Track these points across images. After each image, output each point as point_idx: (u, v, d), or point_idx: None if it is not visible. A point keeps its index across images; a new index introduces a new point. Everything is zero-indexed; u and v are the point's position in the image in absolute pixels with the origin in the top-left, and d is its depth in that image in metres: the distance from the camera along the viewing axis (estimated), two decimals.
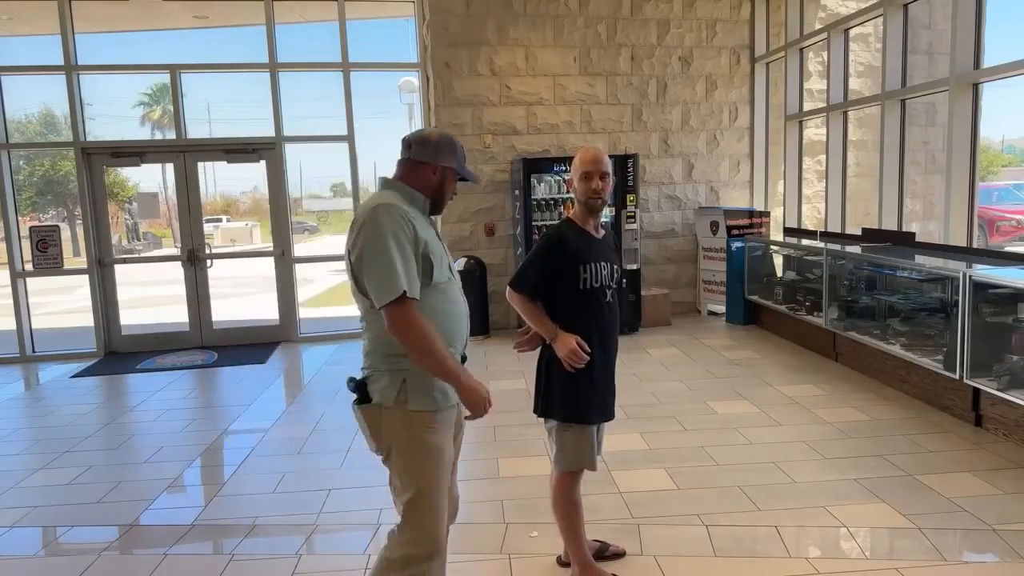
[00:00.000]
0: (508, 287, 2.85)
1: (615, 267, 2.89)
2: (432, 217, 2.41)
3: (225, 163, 8.44)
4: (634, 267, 7.90)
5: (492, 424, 5.03)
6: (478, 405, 2.24)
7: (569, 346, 2.74)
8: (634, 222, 7.89)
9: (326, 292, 14.21)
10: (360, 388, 2.24)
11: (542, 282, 2.80)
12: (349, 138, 8.16)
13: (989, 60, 5.48)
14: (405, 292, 2.06)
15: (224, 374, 6.97)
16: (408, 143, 2.33)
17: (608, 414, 2.96)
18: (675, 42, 8.56)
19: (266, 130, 8.13)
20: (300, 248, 9.73)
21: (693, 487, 3.91)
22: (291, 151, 8.33)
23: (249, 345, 8.07)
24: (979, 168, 5.66)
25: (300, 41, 8.75)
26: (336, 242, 17.00)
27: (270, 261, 8.38)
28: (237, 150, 8.27)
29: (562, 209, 7.86)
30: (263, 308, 9.32)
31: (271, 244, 8.46)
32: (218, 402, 6.19)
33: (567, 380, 2.82)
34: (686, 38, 8.57)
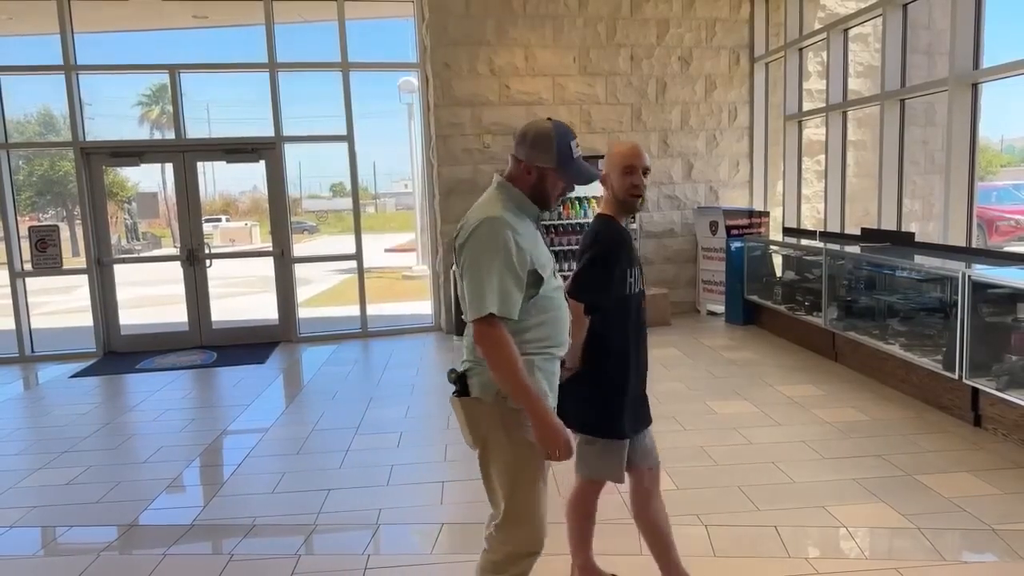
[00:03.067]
0: (570, 301, 2.47)
1: (641, 268, 2.76)
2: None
3: (224, 163, 8.43)
4: None
5: None
6: (551, 444, 2.09)
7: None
8: (633, 222, 7.88)
9: (325, 292, 14.21)
10: (460, 380, 2.19)
11: (603, 291, 2.55)
12: (348, 138, 8.16)
13: (988, 60, 5.48)
14: (493, 313, 2.00)
15: (223, 374, 6.97)
16: (515, 137, 2.23)
17: (645, 420, 2.79)
18: (674, 42, 8.56)
19: (265, 130, 8.12)
20: (299, 248, 9.73)
21: (692, 487, 3.91)
22: (290, 151, 8.33)
23: (248, 345, 8.06)
24: (978, 168, 5.66)
25: (300, 41, 8.75)
26: (335, 242, 17.02)
27: (269, 261, 8.38)
28: (236, 150, 8.26)
29: (561, 209, 7.85)
30: (262, 308, 9.33)
31: (270, 244, 8.46)
32: (217, 402, 6.19)
33: (596, 393, 2.62)
34: (685, 38, 8.57)
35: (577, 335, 2.46)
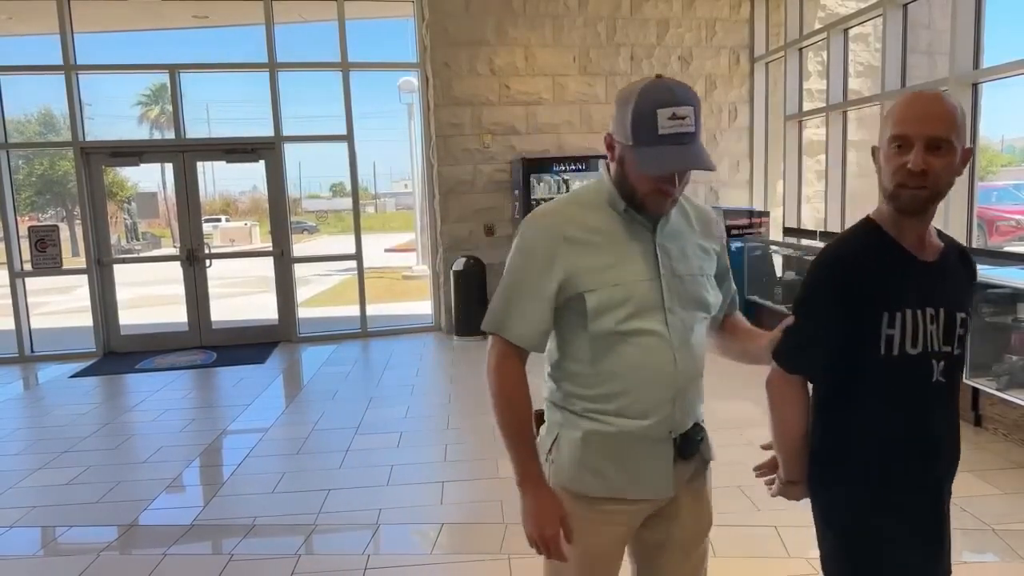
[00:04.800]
0: (774, 368, 1.64)
1: (957, 316, 1.56)
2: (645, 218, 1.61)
3: (224, 163, 8.42)
4: None
5: (491, 424, 5.03)
6: (530, 531, 1.60)
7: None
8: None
9: (325, 292, 14.21)
10: (537, 416, 1.74)
11: (822, 348, 1.57)
12: (348, 138, 8.16)
13: (988, 60, 5.48)
14: (496, 332, 1.61)
15: (223, 374, 6.96)
16: None
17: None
18: (675, 42, 8.55)
19: (265, 130, 8.12)
20: (299, 248, 9.74)
21: None
22: (290, 151, 8.33)
23: (248, 345, 8.06)
24: (979, 168, 5.65)
25: (299, 41, 8.76)
26: (335, 242, 17.04)
27: (269, 261, 8.38)
28: (236, 150, 8.26)
29: None
30: (262, 308, 9.33)
31: (270, 244, 8.45)
32: (217, 402, 6.19)
33: (829, 529, 1.72)
34: (686, 38, 8.57)
35: (790, 424, 1.65)
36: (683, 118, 1.47)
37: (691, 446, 1.70)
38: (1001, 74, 5.38)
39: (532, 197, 7.71)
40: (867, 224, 1.59)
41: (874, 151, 1.56)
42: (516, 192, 7.98)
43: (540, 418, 1.74)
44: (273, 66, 7.97)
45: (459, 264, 7.96)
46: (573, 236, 1.56)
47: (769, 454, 1.89)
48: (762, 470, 1.93)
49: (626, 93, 1.55)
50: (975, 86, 5.53)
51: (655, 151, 1.48)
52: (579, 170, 7.82)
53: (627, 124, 1.51)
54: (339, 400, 5.88)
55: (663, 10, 8.46)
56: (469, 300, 7.94)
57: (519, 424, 1.63)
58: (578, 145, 8.34)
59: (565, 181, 7.85)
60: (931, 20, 7.82)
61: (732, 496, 3.76)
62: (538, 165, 7.80)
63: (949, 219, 5.68)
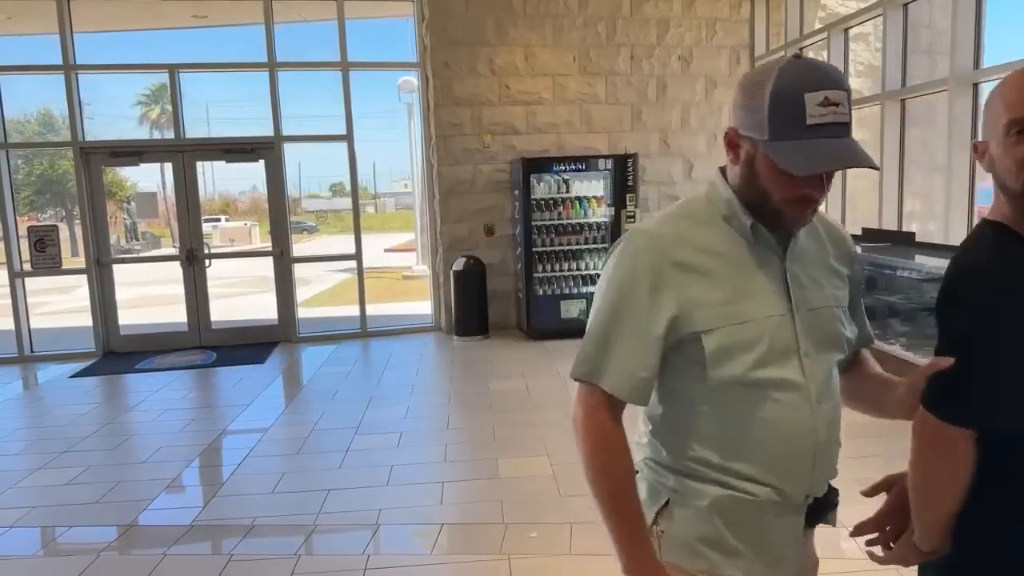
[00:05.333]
0: (927, 413, 1.28)
1: None
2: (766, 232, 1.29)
3: (224, 163, 8.42)
4: None
5: (491, 424, 5.04)
6: None
7: None
8: (634, 222, 7.88)
9: (325, 292, 14.21)
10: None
11: (995, 394, 1.20)
12: (348, 138, 8.15)
13: (989, 60, 5.48)
14: (588, 379, 1.30)
15: (223, 374, 6.96)
16: None
17: None
18: (675, 41, 8.55)
19: (265, 130, 8.11)
20: (299, 248, 9.74)
21: None
22: (290, 151, 8.32)
23: (248, 345, 8.05)
24: (979, 168, 5.65)
25: (299, 40, 8.77)
26: (335, 242, 17.04)
27: (269, 261, 8.37)
28: (236, 150, 8.25)
29: (561, 209, 7.85)
30: (262, 308, 9.32)
31: (270, 244, 8.45)
32: (217, 402, 6.19)
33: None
34: (686, 37, 8.57)
35: (946, 490, 1.29)
36: (836, 104, 1.19)
37: (823, 512, 1.40)
38: (1001, 74, 5.36)
39: (532, 197, 7.70)
40: (998, 230, 1.27)
41: (977, 147, 1.31)
42: (516, 192, 7.98)
43: None
44: (273, 66, 7.96)
45: (459, 264, 7.95)
46: (685, 261, 1.25)
47: (868, 505, 1.52)
48: (867, 530, 1.49)
49: (757, 75, 1.22)
50: (975, 86, 5.53)
51: (802, 146, 1.17)
52: (579, 170, 7.82)
53: (762, 113, 1.18)
54: (339, 400, 5.88)
55: (663, 10, 8.45)
56: (469, 300, 7.95)
57: (622, 495, 1.31)
58: (578, 145, 8.34)
59: (565, 181, 7.85)
60: (931, 20, 7.80)
61: None
62: (538, 165, 7.80)
63: (950, 219, 5.68)
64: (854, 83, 7.87)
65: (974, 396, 1.21)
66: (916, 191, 7.63)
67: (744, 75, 1.29)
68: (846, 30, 7.40)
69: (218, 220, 24.34)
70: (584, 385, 1.30)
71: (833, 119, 1.19)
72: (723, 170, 1.34)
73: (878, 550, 1.47)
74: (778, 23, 8.45)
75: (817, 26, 7.90)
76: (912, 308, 5.64)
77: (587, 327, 1.32)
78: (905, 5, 6.35)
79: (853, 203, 7.73)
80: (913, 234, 6.15)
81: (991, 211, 1.31)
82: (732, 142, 1.27)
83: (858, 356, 1.51)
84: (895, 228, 6.56)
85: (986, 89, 5.52)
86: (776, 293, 1.28)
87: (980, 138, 1.31)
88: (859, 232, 6.76)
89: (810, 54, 8.34)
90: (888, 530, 1.46)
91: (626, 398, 1.29)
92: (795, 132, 1.17)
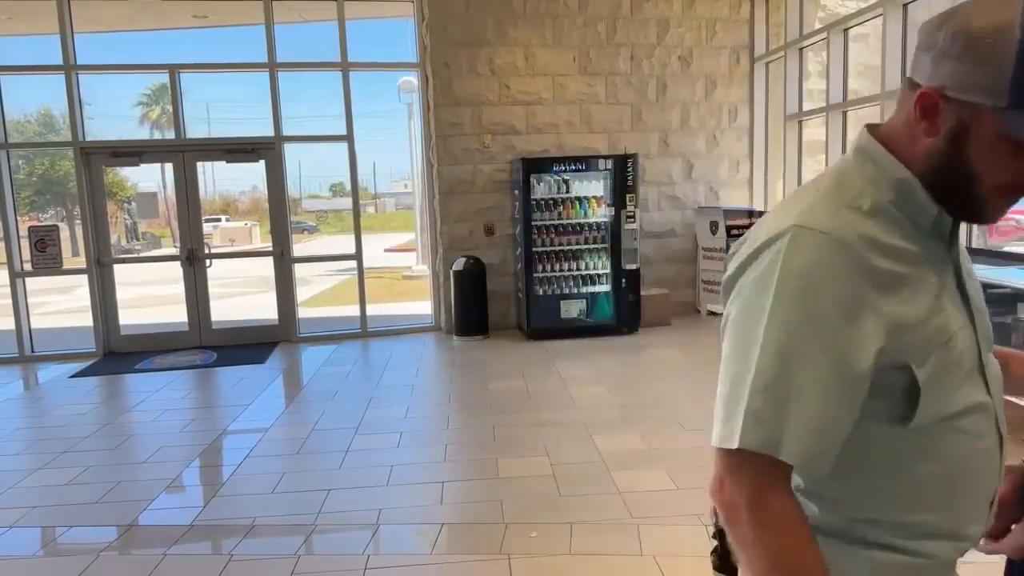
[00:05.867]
0: None
1: None
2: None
3: (224, 163, 8.43)
4: (634, 267, 7.90)
5: (491, 424, 5.04)
6: None
7: None
8: (634, 222, 7.88)
9: (325, 292, 14.22)
10: (722, 542, 1.21)
11: None
12: (348, 138, 8.16)
13: None
14: (763, 449, 0.91)
15: (223, 374, 6.97)
16: (921, 32, 0.97)
17: None
18: (675, 42, 8.55)
19: (265, 130, 8.12)
20: (299, 248, 9.74)
21: (693, 487, 3.91)
22: (290, 151, 8.33)
23: (248, 345, 8.06)
24: None
25: (299, 41, 8.76)
26: (335, 242, 17.05)
27: (269, 261, 8.38)
28: (236, 150, 8.26)
29: (561, 209, 7.85)
30: (262, 308, 9.33)
31: (270, 244, 8.45)
32: (217, 402, 6.19)
33: None
34: (686, 37, 8.57)
35: None
36: None
37: None
38: None
39: (532, 197, 7.71)
40: None
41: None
42: (516, 192, 7.98)
43: (725, 544, 1.18)
44: (273, 66, 7.97)
45: (459, 264, 7.96)
46: (879, 268, 0.92)
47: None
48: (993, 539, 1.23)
49: (988, 11, 0.88)
50: None
51: None
52: (579, 170, 7.82)
53: (1001, 68, 0.86)
54: (339, 400, 5.89)
55: (663, 10, 8.46)
56: (469, 300, 7.95)
57: None
58: (578, 145, 8.34)
59: (565, 181, 7.85)
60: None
61: None
62: (538, 165, 7.80)
63: None
64: (853, 83, 7.87)
65: None
66: None
67: (947, 12, 0.92)
68: (846, 30, 7.40)
69: (219, 220, 24.36)
70: (742, 454, 0.91)
71: None
72: (885, 140, 1.00)
73: (984, 541, 1.23)
74: (778, 23, 8.45)
75: (817, 26, 7.90)
76: None
77: (732, 372, 0.95)
78: (905, 5, 6.35)
79: None
80: None
81: None
82: (932, 108, 0.92)
83: None
84: None
85: None
86: (954, 294, 1.02)
87: None
88: None
89: (809, 55, 8.34)
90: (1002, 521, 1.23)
91: (812, 469, 0.95)
92: None
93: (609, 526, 3.48)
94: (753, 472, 0.92)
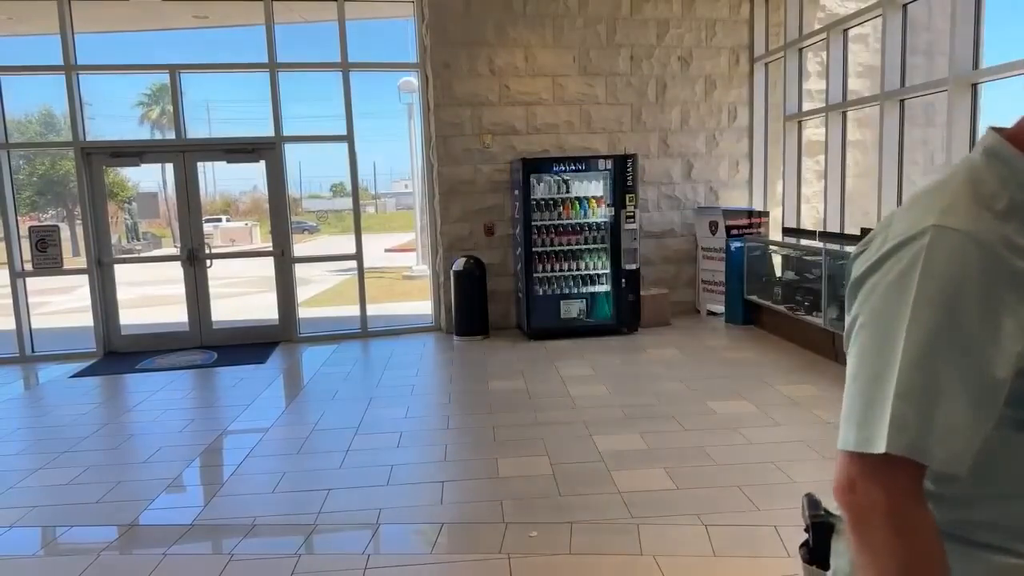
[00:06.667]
0: None
1: None
2: None
3: (225, 163, 8.44)
4: (633, 267, 7.90)
5: (491, 424, 5.04)
6: None
7: None
8: (633, 222, 7.89)
9: (325, 292, 14.22)
10: (819, 533, 1.18)
11: None
12: (348, 138, 8.16)
13: (988, 60, 5.48)
14: (888, 453, 0.89)
15: (223, 374, 6.97)
16: None
17: None
18: (674, 42, 8.56)
19: (265, 130, 8.13)
20: (300, 248, 9.75)
21: (692, 487, 3.91)
22: (291, 151, 8.33)
23: (249, 345, 8.07)
24: None
25: (300, 41, 8.76)
26: (335, 242, 17.06)
27: (270, 261, 8.39)
28: (237, 150, 8.26)
29: (561, 209, 7.86)
30: (263, 308, 9.34)
31: (271, 244, 8.46)
32: (217, 402, 6.20)
33: None
34: (685, 38, 8.58)
35: None
36: None
37: None
38: (1000, 74, 5.39)
39: (532, 197, 7.72)
40: None
41: None
42: (516, 192, 7.99)
43: (822, 532, 1.17)
44: (273, 66, 7.97)
45: (459, 264, 7.97)
46: (1020, 269, 0.91)
47: None
48: None
49: None
50: (975, 86, 5.53)
51: None
52: (579, 170, 7.83)
53: None
54: (339, 400, 5.89)
55: (663, 10, 8.46)
56: (469, 300, 7.96)
57: None
58: (578, 145, 8.35)
59: (565, 181, 7.86)
60: (931, 20, 7.83)
61: (732, 496, 3.77)
62: (538, 165, 7.80)
63: None
64: (853, 84, 7.88)
65: None
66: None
67: None
68: (845, 31, 7.41)
69: (219, 220, 24.36)
70: (884, 458, 0.89)
71: None
72: (1001, 134, 1.00)
73: None
74: (777, 24, 8.45)
75: (816, 26, 7.91)
76: None
77: (868, 374, 0.93)
78: (904, 6, 6.36)
79: (853, 203, 7.74)
80: None
81: None
82: None
83: None
84: None
85: (985, 89, 5.53)
86: None
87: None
88: (858, 232, 6.76)
89: (809, 55, 8.35)
90: None
91: (954, 471, 0.92)
92: None
93: (609, 526, 3.49)
94: (893, 477, 0.90)
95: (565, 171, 7.82)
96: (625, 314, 7.90)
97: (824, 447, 4.38)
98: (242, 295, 13.06)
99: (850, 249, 5.74)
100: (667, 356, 6.94)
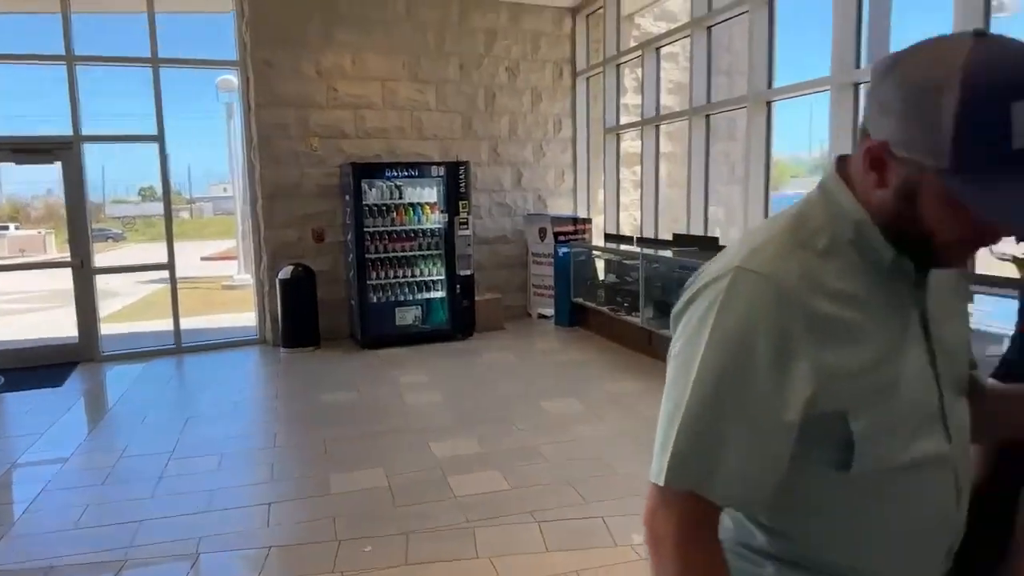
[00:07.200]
0: None
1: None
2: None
3: (13, 164, 7.53)
4: (468, 273, 7.97)
5: (322, 438, 4.86)
6: None
7: None
8: (467, 228, 7.95)
9: (134, 305, 13.08)
10: None
11: None
12: (159, 138, 7.56)
13: (780, 80, 6.07)
14: (693, 488, 0.92)
15: (12, 400, 6.19)
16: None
17: None
18: (502, 53, 8.75)
19: (62, 128, 7.33)
20: (102, 258, 8.89)
21: (524, 485, 3.99)
22: (92, 152, 7.59)
23: (42, 367, 7.22)
24: (772, 178, 6.28)
25: (104, 32, 8.01)
26: (145, 250, 15.76)
27: (67, 272, 7.57)
28: (27, 150, 7.39)
29: (395, 215, 7.76)
30: (59, 325, 8.41)
31: (68, 254, 7.64)
32: (5, 432, 5.49)
33: None
34: (512, 50, 8.79)
35: None
36: None
37: None
38: (790, 93, 6.00)
39: (364, 203, 7.55)
40: None
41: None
42: (347, 197, 7.79)
43: None
44: (71, 59, 7.21)
45: (285, 272, 7.63)
46: (819, 312, 0.90)
47: None
48: None
49: (925, 67, 0.84)
50: (769, 104, 6.12)
51: (1010, 184, 0.80)
52: (412, 176, 7.78)
53: (942, 131, 0.81)
54: (150, 423, 5.42)
55: (490, 21, 8.62)
56: (297, 310, 7.64)
57: None
58: (410, 151, 8.29)
59: (398, 187, 7.77)
60: (731, 43, 8.57)
61: (562, 492, 3.88)
62: (369, 170, 7.65)
63: (749, 225, 6.24)
64: (666, 99, 8.45)
65: None
66: (719, 200, 8.33)
67: (891, 61, 0.87)
68: (658, 49, 7.93)
69: (6, 228, 21.82)
70: (673, 494, 0.92)
71: None
72: (842, 164, 0.98)
73: None
74: (597, 40, 8.89)
75: (632, 44, 8.40)
76: None
77: (669, 408, 0.95)
78: (709, 28, 6.91)
79: (665, 210, 8.29)
80: (717, 239, 6.71)
81: None
82: (878, 161, 0.89)
83: (976, 383, 1.14)
84: (702, 234, 7.11)
85: (779, 107, 6.12)
86: (917, 339, 0.97)
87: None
88: (670, 238, 7.25)
89: (626, 70, 8.85)
90: None
91: (740, 508, 0.98)
92: (993, 161, 0.80)
93: (445, 532, 3.47)
94: (684, 508, 0.92)
95: (398, 177, 7.74)
96: (460, 320, 7.94)
97: (646, 439, 4.63)
98: (34, 311, 11.70)
99: (664, 254, 6.08)
100: (501, 360, 7.05)
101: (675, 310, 1.00)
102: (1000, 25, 4.09)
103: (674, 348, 0.98)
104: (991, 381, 1.18)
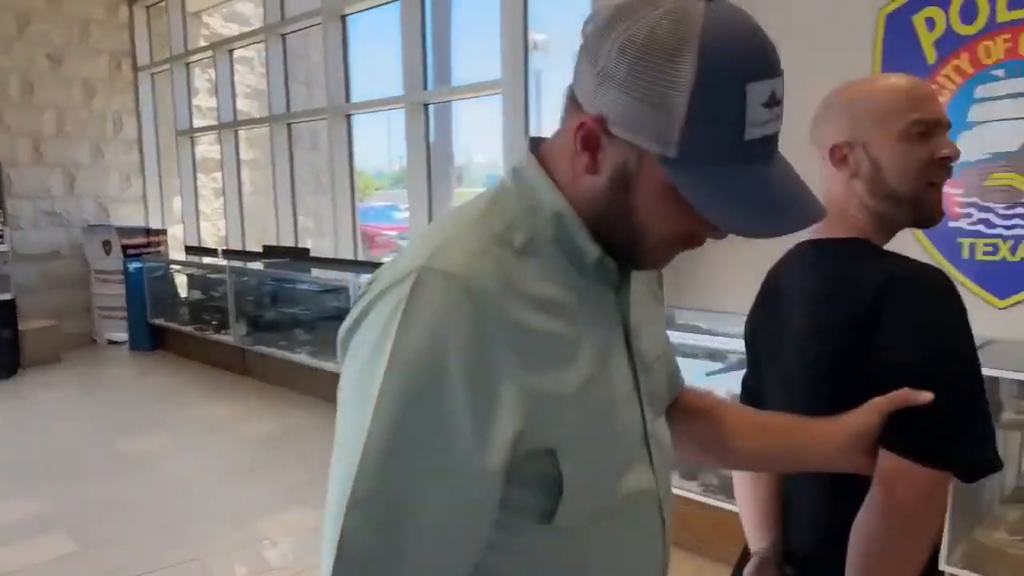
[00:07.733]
0: (913, 465, 0.94)
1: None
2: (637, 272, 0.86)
3: None
4: (7, 297, 6.59)
5: None
6: None
7: None
8: (2, 243, 6.58)
9: None
10: None
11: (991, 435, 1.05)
12: None
13: (357, 96, 6.27)
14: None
15: None
16: (587, 24, 0.72)
17: None
18: (40, 38, 7.44)
19: None
20: None
21: (102, 545, 3.44)
22: None
23: None
24: (357, 190, 6.46)
25: None
26: None
27: None
28: None
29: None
30: None
31: None
32: None
33: None
34: (53, 35, 7.53)
35: (927, 551, 1.01)
36: (779, 103, 0.69)
37: None
38: (368, 108, 6.24)
39: None
40: (869, 247, 1.11)
41: (839, 149, 1.13)
42: None
43: None
44: None
45: None
46: (525, 322, 0.71)
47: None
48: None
49: (657, 22, 0.66)
50: (348, 116, 6.28)
51: (740, 177, 0.69)
52: None
53: (672, 112, 0.67)
54: None
55: (24, 0, 7.27)
56: None
57: None
58: None
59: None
60: (307, 52, 8.58)
61: (148, 541, 3.45)
62: None
63: (338, 235, 6.34)
64: (242, 104, 8.11)
65: (988, 432, 0.98)
66: (308, 211, 8.31)
67: (611, 14, 0.70)
68: (231, 51, 7.58)
69: None
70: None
71: (773, 129, 0.70)
72: (536, 146, 0.80)
73: None
74: (161, 33, 8.14)
75: (202, 43, 7.88)
76: (313, 318, 6.11)
77: (339, 474, 0.70)
78: (283, 36, 6.82)
79: (251, 220, 7.98)
80: (308, 249, 6.68)
81: (836, 229, 1.13)
82: (592, 139, 0.72)
83: (687, 397, 1.05)
84: (292, 244, 7.01)
85: (358, 120, 6.33)
86: (620, 353, 0.82)
87: (841, 140, 1.13)
88: (260, 249, 7.01)
89: (198, 71, 8.28)
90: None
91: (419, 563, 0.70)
92: (726, 150, 0.68)
93: None
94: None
95: None
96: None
97: (246, 464, 4.38)
98: None
99: (254, 266, 5.87)
100: (61, 398, 6.01)
101: (342, 331, 0.75)
102: (536, 60, 4.76)
103: (343, 384, 0.73)
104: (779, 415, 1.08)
